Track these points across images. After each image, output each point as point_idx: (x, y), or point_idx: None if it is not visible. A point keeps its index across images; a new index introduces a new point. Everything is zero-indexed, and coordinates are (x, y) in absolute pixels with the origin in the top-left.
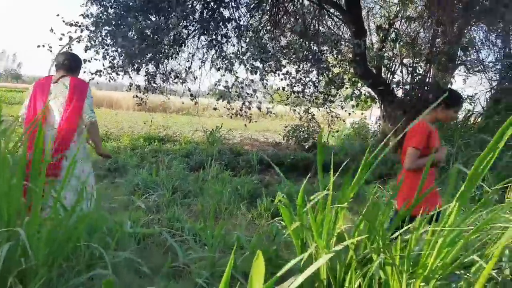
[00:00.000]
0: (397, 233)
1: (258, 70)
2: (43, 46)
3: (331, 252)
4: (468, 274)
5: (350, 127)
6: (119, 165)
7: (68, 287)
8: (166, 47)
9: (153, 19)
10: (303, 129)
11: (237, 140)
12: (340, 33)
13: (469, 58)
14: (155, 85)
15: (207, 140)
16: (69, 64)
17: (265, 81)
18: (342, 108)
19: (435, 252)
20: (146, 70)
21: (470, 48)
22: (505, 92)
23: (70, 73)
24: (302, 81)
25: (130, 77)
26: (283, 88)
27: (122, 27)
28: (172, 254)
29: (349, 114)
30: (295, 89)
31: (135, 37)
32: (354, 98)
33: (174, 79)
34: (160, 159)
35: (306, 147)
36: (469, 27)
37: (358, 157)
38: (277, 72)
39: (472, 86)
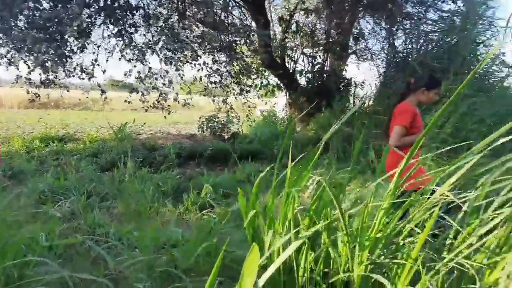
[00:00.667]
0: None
1: (172, 61)
2: None
3: (289, 234)
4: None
5: (261, 115)
6: (14, 172)
7: None
8: (70, 39)
9: (47, 6)
10: (217, 119)
11: (147, 135)
12: (249, 24)
13: (358, 47)
14: (56, 79)
15: (116, 136)
16: None
17: (181, 72)
18: (259, 97)
19: (376, 223)
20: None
21: (360, 38)
22: (392, 78)
23: None
24: (219, 72)
25: (18, 69)
26: (200, 79)
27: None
28: (102, 262)
29: (266, 103)
30: (212, 79)
31: (27, 28)
32: (262, 87)
33: (81, 73)
34: (64, 162)
35: (226, 138)
36: (358, 19)
37: (270, 144)
38: (193, 62)
39: (365, 73)
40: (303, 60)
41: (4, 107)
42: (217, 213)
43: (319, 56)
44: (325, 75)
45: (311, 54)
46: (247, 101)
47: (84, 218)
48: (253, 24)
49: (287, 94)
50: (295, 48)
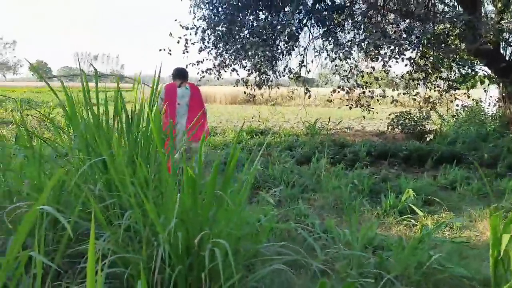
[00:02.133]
0: None
1: (380, 57)
2: (164, 50)
3: None
4: None
5: (463, 111)
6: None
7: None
8: (281, 44)
9: (262, 16)
10: (409, 116)
11: (335, 131)
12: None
13: None
14: (268, 81)
15: (309, 132)
16: (184, 74)
17: (387, 67)
18: (469, 96)
19: None
20: (258, 67)
21: None
22: None
23: (186, 80)
24: (425, 67)
25: (238, 74)
26: (402, 76)
27: (232, 26)
28: (311, 251)
29: (469, 97)
30: (415, 75)
31: (248, 36)
32: (469, 79)
33: (290, 74)
34: (268, 153)
35: (422, 137)
36: None
37: (477, 146)
38: (401, 57)
39: None
40: None
41: (215, 102)
42: (418, 220)
43: None
44: None
45: None
46: (456, 98)
47: (290, 207)
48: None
49: (501, 87)
50: None
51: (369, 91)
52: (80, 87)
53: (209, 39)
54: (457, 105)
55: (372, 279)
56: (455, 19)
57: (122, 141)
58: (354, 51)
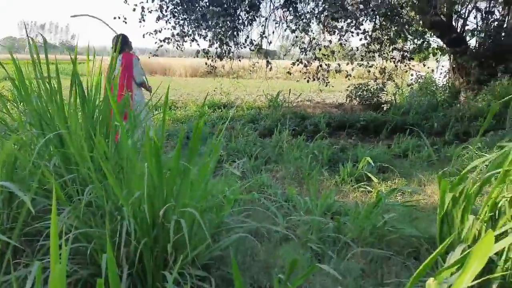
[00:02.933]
0: None
1: (336, 30)
2: (119, 18)
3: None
4: None
5: (415, 82)
6: (191, 134)
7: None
8: (242, 13)
9: None
10: (366, 88)
11: (296, 103)
12: None
13: None
14: (230, 53)
15: (272, 105)
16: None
17: (344, 41)
18: (424, 65)
19: None
20: (219, 38)
21: None
22: None
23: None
24: (379, 40)
25: (198, 44)
26: (357, 48)
27: None
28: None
29: (425, 66)
30: (371, 47)
31: (208, 4)
32: (422, 51)
33: (251, 46)
34: (230, 126)
35: (377, 108)
36: None
37: (428, 115)
38: (356, 31)
39: None
40: (475, 17)
41: (175, 75)
42: (374, 187)
43: (498, 11)
44: (503, 34)
45: (487, 8)
46: (410, 68)
47: (254, 178)
48: None
49: (451, 58)
50: (466, 3)
51: (326, 65)
52: (27, 59)
53: (167, 7)
54: (412, 75)
55: (330, 242)
56: None
57: (78, 115)
58: (313, 23)
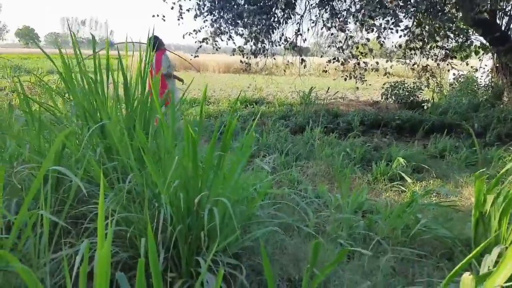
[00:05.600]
0: None
1: (375, 28)
2: (157, 15)
3: None
4: None
5: (455, 82)
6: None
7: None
8: (278, 11)
9: None
10: (402, 86)
11: (329, 101)
12: None
13: None
14: (263, 49)
15: (304, 101)
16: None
17: (382, 39)
18: (467, 64)
19: None
20: (254, 36)
21: None
22: None
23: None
24: (421, 36)
25: (234, 42)
26: (400, 46)
27: None
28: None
29: (467, 64)
30: (412, 45)
31: (244, 3)
32: (464, 49)
33: (286, 43)
34: (262, 122)
35: (415, 107)
36: None
37: (468, 116)
38: (395, 28)
39: None
40: None
41: (208, 71)
42: (407, 187)
43: None
44: None
45: None
46: (452, 67)
47: (284, 174)
48: None
49: (495, 57)
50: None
51: (364, 63)
52: (69, 54)
53: (204, 5)
54: (454, 74)
55: (361, 240)
56: None
57: (119, 108)
58: (350, 22)
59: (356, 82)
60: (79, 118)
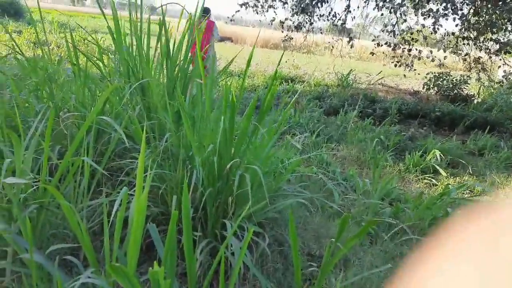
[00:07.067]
0: None
1: (431, 13)
2: None
3: None
4: None
5: (503, 78)
6: (259, 104)
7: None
8: None
9: None
10: (447, 78)
11: (367, 85)
12: None
13: None
14: (310, 23)
15: (341, 84)
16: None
17: (437, 26)
18: None
19: None
20: (302, 7)
21: None
22: None
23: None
24: (476, 26)
25: (275, 13)
26: (453, 33)
27: None
28: (327, 196)
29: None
30: (465, 34)
31: None
32: None
33: (334, 19)
34: (296, 101)
35: (457, 100)
36: None
37: None
38: (453, 16)
39: None
40: None
41: (246, 44)
42: (440, 180)
43: None
44: None
45: None
46: (505, 63)
47: (314, 155)
48: None
49: None
50: None
51: (417, 50)
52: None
53: None
54: (504, 71)
55: (385, 226)
56: None
57: (161, 69)
58: (405, 4)
59: (405, 69)
60: (122, 76)
